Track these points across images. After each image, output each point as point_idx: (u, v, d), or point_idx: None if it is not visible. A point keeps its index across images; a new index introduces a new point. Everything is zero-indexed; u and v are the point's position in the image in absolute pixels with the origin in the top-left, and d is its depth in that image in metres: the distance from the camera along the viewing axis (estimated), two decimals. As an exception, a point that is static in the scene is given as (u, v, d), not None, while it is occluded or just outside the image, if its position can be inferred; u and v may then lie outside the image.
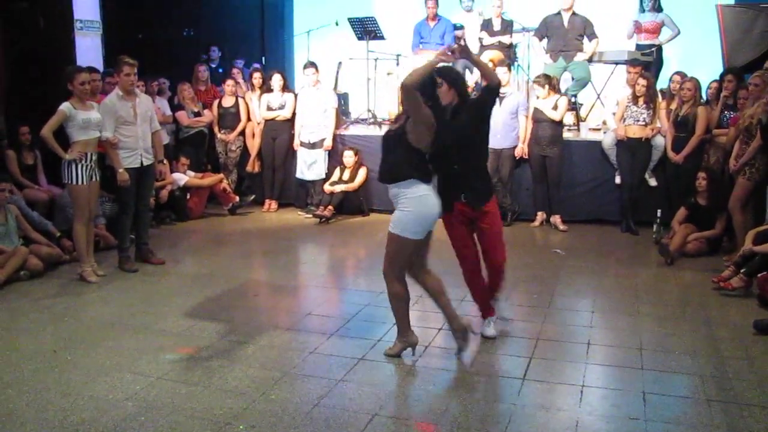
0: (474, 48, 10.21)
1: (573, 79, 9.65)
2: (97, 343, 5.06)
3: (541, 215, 8.86)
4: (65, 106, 6.33)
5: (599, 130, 9.64)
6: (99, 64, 9.20)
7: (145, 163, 6.89)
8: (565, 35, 9.48)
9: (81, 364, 4.69)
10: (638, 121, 8.20)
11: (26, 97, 8.94)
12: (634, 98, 8.26)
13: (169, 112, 9.65)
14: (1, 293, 6.19)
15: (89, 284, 6.53)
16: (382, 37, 10.34)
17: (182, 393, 4.24)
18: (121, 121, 6.66)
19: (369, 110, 10.42)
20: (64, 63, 8.04)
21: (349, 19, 10.47)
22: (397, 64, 10.48)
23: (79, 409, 4.06)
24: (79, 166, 6.39)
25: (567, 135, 9.03)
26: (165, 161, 7.42)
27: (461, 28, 10.46)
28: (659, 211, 7.93)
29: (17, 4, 9.23)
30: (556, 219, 8.73)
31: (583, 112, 10.21)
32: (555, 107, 8.46)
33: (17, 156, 8.03)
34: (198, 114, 9.85)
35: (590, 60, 9.59)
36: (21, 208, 7.18)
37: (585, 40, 9.50)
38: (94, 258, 6.81)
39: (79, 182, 6.43)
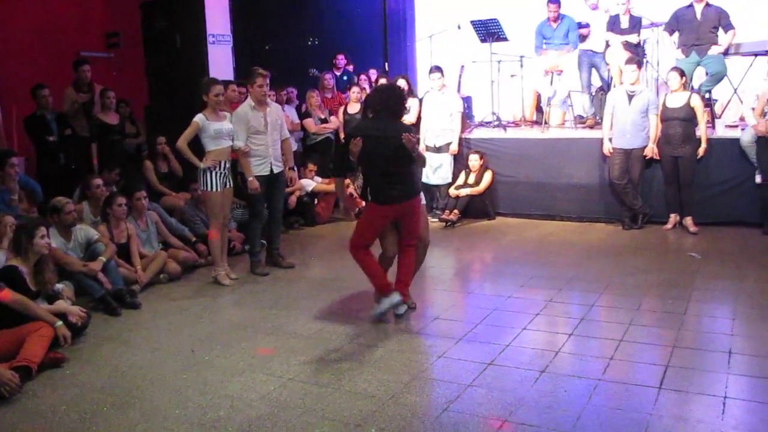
0: (600, 46, 9.96)
1: (707, 74, 9.19)
2: (232, 343, 5.26)
3: (674, 217, 8.50)
4: (198, 118, 6.62)
5: (736, 126, 9.16)
6: (230, 76, 9.56)
7: (275, 171, 7.09)
8: (698, 28, 9.03)
9: (217, 364, 4.88)
10: (781, 115, 7.74)
11: (165, 110, 9.43)
12: (777, 92, 7.80)
13: (297, 120, 9.92)
14: (143, 295, 6.55)
15: (223, 287, 6.81)
16: (505, 39, 10.24)
17: (313, 394, 4.33)
18: (253, 131, 6.88)
19: (493, 113, 10.34)
20: (199, 75, 8.42)
21: (471, 21, 10.43)
22: (521, 65, 10.35)
23: (216, 406, 4.22)
24: (213, 174, 6.66)
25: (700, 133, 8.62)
26: (295, 167, 7.62)
27: (587, 26, 10.21)
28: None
29: (157, 24, 9.75)
30: (687, 221, 8.35)
31: (718, 109, 9.73)
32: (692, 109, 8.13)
33: (153, 165, 8.48)
34: (324, 121, 10.07)
35: (726, 53, 9.11)
36: (160, 215, 7.56)
37: (720, 31, 9.03)
38: (227, 262, 7.08)
39: (213, 189, 6.71)
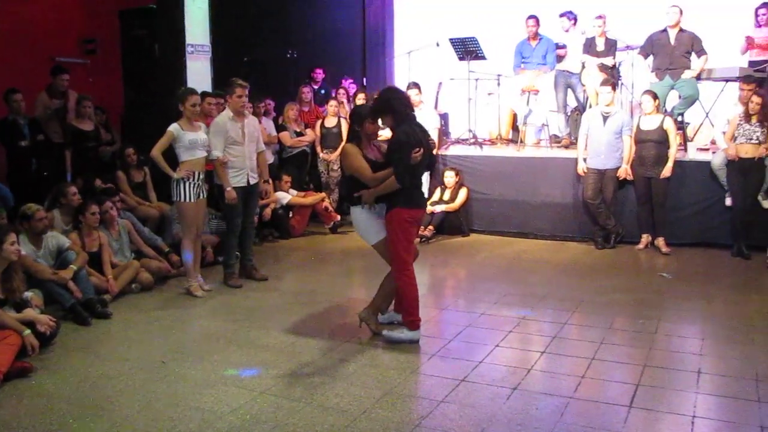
0: (576, 67, 10.06)
1: (680, 97, 9.34)
2: (203, 356, 5.21)
3: (646, 238, 8.60)
4: (173, 127, 6.59)
5: (707, 150, 9.30)
6: (208, 87, 9.51)
7: (251, 182, 7.07)
8: (672, 52, 9.18)
9: (188, 376, 4.83)
10: (751, 139, 7.86)
11: (141, 118, 9.37)
12: (747, 116, 7.93)
13: (274, 133, 9.91)
14: (114, 305, 6.47)
15: (196, 298, 6.75)
16: (483, 57, 10.32)
17: (285, 408, 4.31)
18: (231, 141, 6.86)
19: (469, 130, 10.40)
20: (176, 85, 8.38)
21: (450, 39, 10.50)
22: (498, 84, 10.43)
23: (186, 419, 4.18)
24: (187, 185, 6.62)
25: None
26: (269, 180, 7.60)
27: (564, 47, 10.32)
28: (775, 234, 7.57)
29: (136, 32, 9.71)
30: (659, 241, 8.46)
31: (690, 132, 9.88)
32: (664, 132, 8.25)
33: (126, 175, 8.40)
34: (300, 134, 10.07)
35: (698, 77, 9.26)
36: (133, 224, 7.49)
37: (693, 56, 9.19)
38: (200, 273, 7.03)
39: (187, 200, 6.66)
